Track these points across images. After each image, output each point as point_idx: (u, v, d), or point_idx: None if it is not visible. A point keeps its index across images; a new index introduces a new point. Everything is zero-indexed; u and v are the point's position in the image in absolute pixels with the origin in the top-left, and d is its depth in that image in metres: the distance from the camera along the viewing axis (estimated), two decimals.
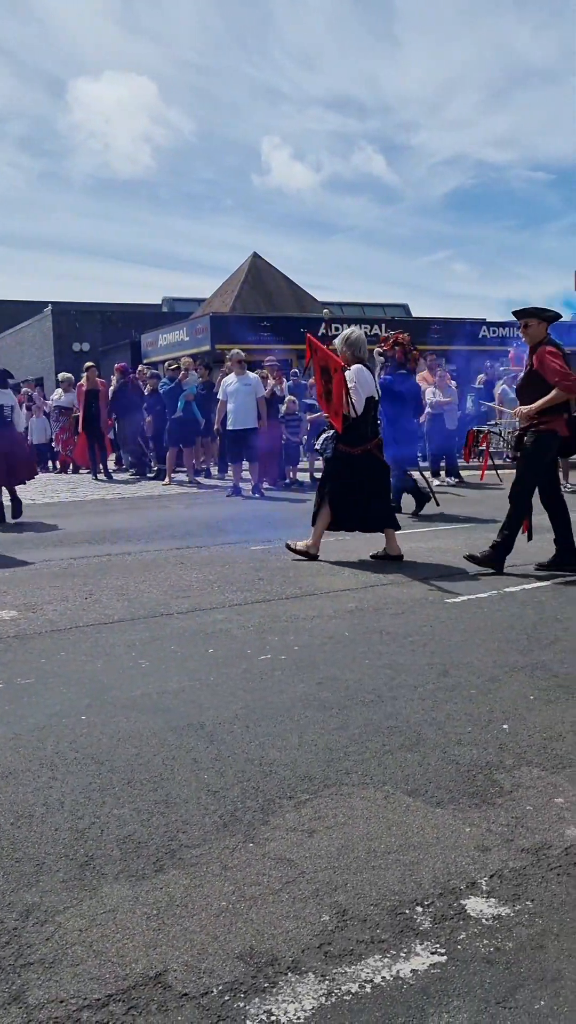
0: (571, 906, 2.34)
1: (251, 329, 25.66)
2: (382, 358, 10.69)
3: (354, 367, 7.19)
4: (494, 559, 6.74)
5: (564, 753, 3.34)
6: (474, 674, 4.29)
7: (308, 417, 14.71)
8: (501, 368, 18.03)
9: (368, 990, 2.02)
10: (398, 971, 2.09)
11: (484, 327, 28.17)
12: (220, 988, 2.04)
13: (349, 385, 7.04)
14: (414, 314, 37.24)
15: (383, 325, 28.66)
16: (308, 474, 15.24)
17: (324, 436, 7.42)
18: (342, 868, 2.55)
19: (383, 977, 2.07)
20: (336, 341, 7.61)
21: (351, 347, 7.32)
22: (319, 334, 6.80)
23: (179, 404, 14.82)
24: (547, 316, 6.62)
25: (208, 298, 32.79)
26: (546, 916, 2.30)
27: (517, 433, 7.02)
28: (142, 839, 2.74)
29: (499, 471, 11.62)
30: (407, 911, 2.33)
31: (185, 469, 15.58)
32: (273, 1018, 1.94)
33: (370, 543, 7.74)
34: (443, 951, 2.16)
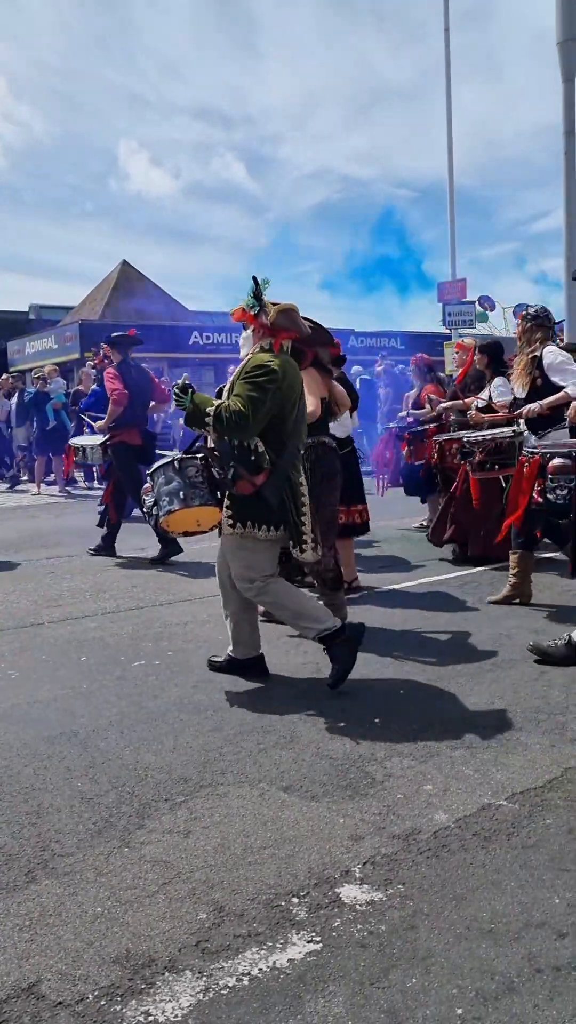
0: (440, 887, 2.43)
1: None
2: (93, 371, 11.43)
3: None
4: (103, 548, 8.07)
5: (432, 743, 3.45)
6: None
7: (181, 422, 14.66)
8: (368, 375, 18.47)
9: (246, 983, 2.04)
10: (275, 962, 2.11)
11: (353, 336, 28.76)
12: (96, 993, 2.01)
13: None
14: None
15: None
16: None
17: None
18: (219, 866, 2.56)
19: (260, 969, 2.09)
20: None
21: None
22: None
23: (48, 413, 14.51)
24: (111, 341, 8.22)
25: (76, 306, 32.18)
26: (417, 898, 2.37)
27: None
28: (13, 851, 2.66)
29: None
30: (283, 903, 2.36)
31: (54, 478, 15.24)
32: (151, 1018, 1.92)
33: None
34: (319, 939, 2.20)
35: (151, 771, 3.23)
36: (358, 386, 16.79)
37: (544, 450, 4.84)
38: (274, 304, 4.07)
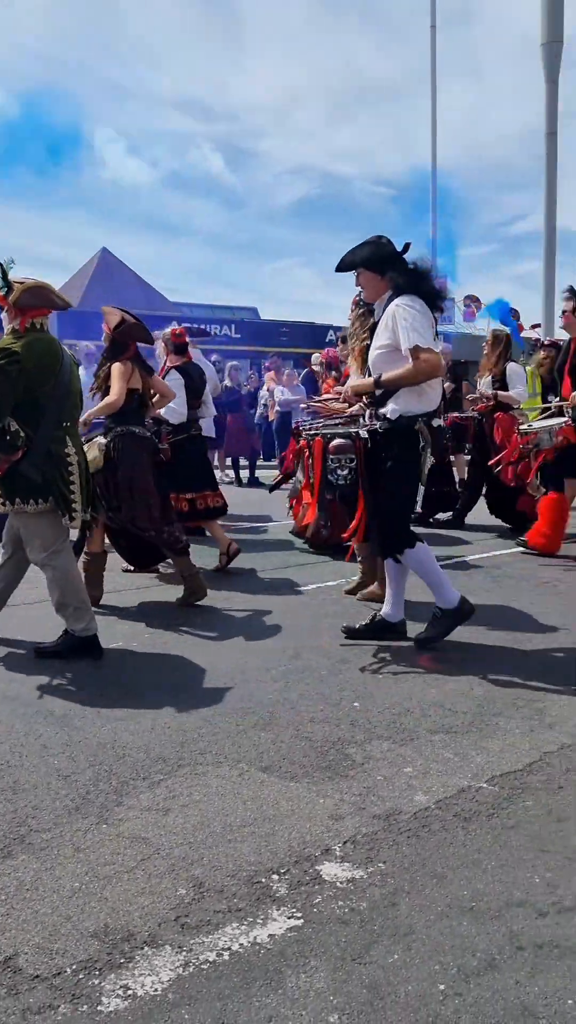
0: (421, 865, 2.42)
1: (99, 326, 25.11)
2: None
3: None
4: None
5: (412, 727, 3.44)
6: (324, 656, 4.36)
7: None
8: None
9: (226, 957, 2.02)
10: (255, 937, 2.09)
11: (331, 331, 28.77)
12: (74, 967, 1.98)
13: None
14: (263, 317, 37.51)
15: (232, 326, 28.82)
16: None
17: None
18: (198, 843, 2.53)
19: (240, 944, 2.07)
20: None
21: None
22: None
23: None
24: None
25: None
26: (398, 876, 2.36)
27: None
28: None
29: None
30: (263, 879, 2.34)
31: None
32: (130, 992, 1.90)
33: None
34: (299, 915, 2.18)
35: (129, 750, 3.19)
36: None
37: (323, 431, 4.74)
38: (19, 283, 4.18)
